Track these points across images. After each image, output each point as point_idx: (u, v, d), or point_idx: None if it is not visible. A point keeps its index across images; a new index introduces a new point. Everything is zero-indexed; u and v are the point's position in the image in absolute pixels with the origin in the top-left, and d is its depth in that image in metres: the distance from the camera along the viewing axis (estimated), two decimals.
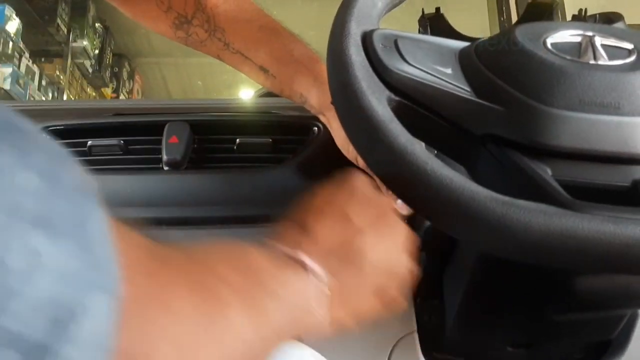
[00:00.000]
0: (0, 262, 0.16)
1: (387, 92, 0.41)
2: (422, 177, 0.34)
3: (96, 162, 0.66)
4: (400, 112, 0.42)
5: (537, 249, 0.33)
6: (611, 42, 0.42)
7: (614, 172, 0.39)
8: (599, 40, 0.42)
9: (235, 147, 0.66)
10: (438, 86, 0.41)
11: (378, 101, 0.38)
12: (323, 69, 0.60)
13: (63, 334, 0.17)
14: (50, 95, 2.76)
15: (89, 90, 3.21)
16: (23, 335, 0.16)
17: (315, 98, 0.61)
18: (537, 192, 0.36)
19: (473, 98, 0.41)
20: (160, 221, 0.61)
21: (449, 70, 0.43)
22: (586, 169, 0.39)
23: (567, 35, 0.43)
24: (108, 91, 3.34)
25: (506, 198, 0.33)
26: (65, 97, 2.84)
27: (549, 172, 0.38)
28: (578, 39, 0.42)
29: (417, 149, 0.35)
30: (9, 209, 0.16)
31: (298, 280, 0.36)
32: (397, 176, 0.36)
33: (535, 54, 0.41)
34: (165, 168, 0.64)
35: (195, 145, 0.67)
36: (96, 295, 0.19)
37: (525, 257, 0.37)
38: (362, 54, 0.41)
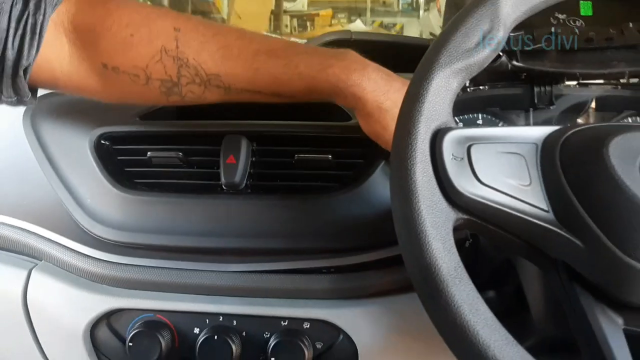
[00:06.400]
0: None
1: (453, 216, 0.37)
2: None
3: (158, 175, 0.67)
4: (467, 227, 0.39)
5: None
6: None
7: None
8: None
9: (293, 162, 0.65)
10: (512, 211, 0.37)
11: (443, 246, 0.35)
12: (339, 77, 0.54)
13: None
14: None
15: None
16: None
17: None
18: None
19: (551, 226, 0.37)
20: (221, 251, 0.62)
21: (526, 184, 0.39)
22: None
23: None
24: None
25: None
26: None
27: (620, 322, 0.36)
28: None
29: (482, 327, 0.33)
30: None
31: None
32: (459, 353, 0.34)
33: (626, 186, 0.36)
34: (224, 188, 0.64)
35: (254, 159, 0.65)
36: None
37: None
38: (430, 170, 0.38)
